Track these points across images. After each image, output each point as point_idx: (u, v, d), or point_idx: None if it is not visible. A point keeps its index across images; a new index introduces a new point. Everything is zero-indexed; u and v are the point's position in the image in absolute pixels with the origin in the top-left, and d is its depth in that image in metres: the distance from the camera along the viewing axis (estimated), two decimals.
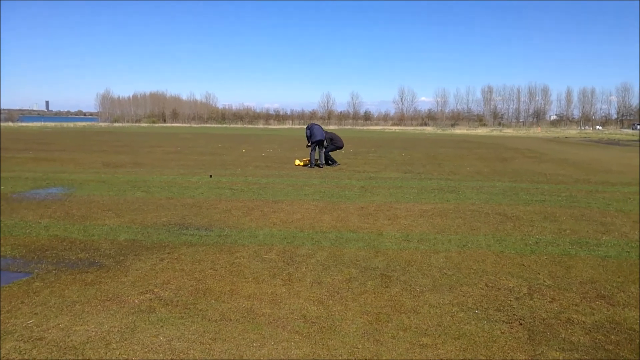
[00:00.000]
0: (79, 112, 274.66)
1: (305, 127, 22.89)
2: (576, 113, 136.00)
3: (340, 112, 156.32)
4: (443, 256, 7.02)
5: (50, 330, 4.60)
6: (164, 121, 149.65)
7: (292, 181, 14.92)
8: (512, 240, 8.08)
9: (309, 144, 19.60)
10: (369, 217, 9.63)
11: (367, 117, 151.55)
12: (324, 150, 19.70)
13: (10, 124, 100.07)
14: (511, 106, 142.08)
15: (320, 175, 16.21)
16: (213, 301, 5.35)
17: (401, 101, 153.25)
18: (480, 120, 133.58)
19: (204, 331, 4.62)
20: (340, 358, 4.19)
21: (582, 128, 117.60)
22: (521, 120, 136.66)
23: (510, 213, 10.12)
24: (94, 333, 4.54)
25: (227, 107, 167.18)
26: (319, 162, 19.48)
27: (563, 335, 4.64)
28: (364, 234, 8.29)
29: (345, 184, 14.43)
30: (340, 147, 20.93)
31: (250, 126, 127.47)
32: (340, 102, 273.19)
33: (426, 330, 4.71)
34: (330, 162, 20.11)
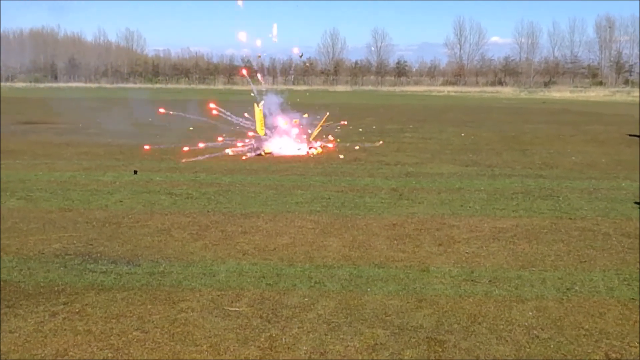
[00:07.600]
0: None
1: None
2: None
3: (356, 62, 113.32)
4: (533, 307, 5.77)
5: None
6: (55, 78, 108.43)
7: (275, 180, 11.75)
8: None
9: None
10: (405, 241, 7.96)
11: (400, 72, 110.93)
12: None
13: None
14: None
15: (324, 170, 12.94)
16: None
17: (459, 44, 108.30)
18: (593, 76, 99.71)
19: None
20: None
21: None
22: None
23: None
24: None
25: (161, 54, 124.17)
26: None
27: None
28: (398, 269, 6.91)
29: (366, 185, 11.27)
30: None
31: (202, 87, 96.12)
32: (356, 45, 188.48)
33: None
34: None
